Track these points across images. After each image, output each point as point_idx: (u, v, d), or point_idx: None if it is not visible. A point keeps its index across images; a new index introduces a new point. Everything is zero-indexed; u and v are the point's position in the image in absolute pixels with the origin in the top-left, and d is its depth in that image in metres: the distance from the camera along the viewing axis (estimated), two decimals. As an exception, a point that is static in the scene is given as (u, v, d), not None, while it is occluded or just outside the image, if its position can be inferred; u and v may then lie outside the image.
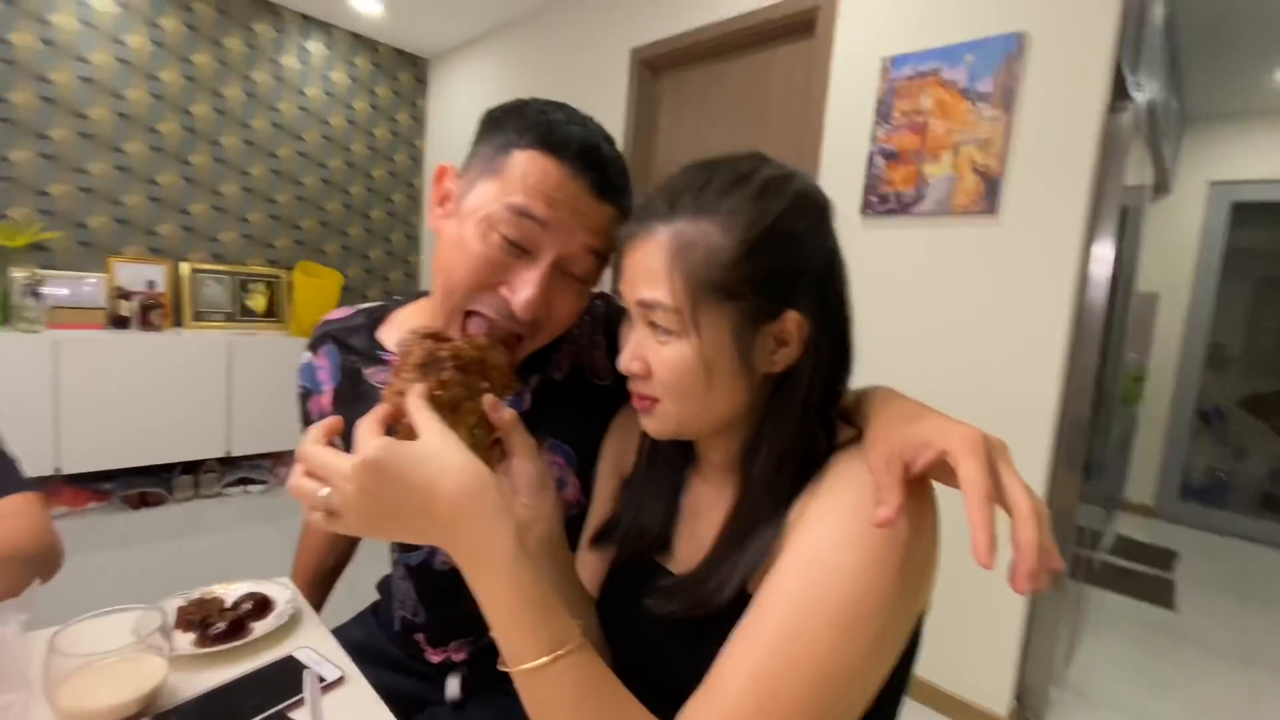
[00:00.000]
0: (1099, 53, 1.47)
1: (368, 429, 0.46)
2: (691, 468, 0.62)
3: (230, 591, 0.72)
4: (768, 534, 0.50)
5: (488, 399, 0.54)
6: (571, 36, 2.75)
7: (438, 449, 0.44)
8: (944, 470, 0.42)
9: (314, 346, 0.80)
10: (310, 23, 3.11)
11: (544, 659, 0.42)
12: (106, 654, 0.52)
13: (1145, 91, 2.01)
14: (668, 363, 0.50)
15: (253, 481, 2.82)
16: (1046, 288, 1.54)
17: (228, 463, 2.80)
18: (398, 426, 0.50)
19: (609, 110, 2.57)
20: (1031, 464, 1.56)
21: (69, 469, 2.36)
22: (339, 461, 0.43)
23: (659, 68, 2.48)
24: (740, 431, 0.55)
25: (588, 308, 0.82)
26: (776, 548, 0.49)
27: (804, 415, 0.51)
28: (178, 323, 2.80)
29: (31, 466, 1.14)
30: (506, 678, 0.44)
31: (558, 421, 0.73)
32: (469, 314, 0.63)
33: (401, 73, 3.48)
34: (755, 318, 0.49)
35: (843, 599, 0.43)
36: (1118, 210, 1.55)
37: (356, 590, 0.99)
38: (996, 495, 0.39)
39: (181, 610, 0.66)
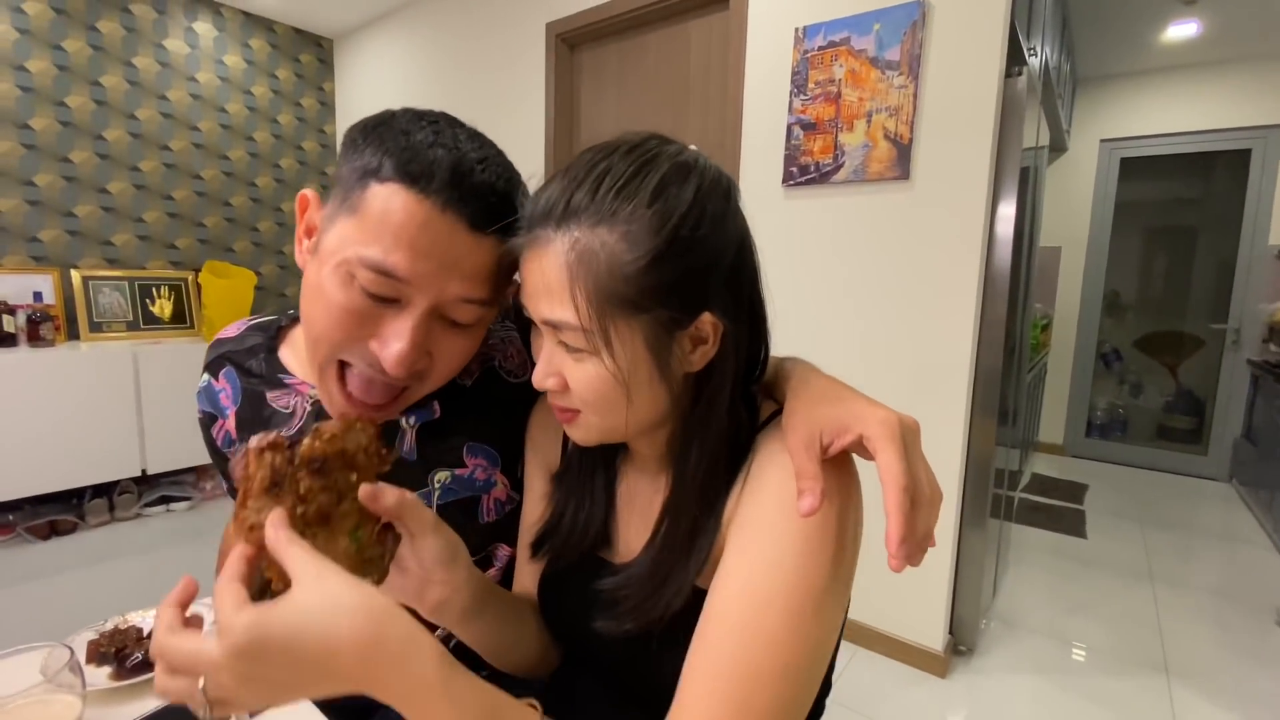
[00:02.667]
0: (994, 19, 1.53)
1: (229, 600, 0.37)
2: (622, 456, 0.62)
3: (148, 618, 0.69)
4: (709, 529, 0.51)
5: (363, 491, 0.46)
6: (484, 12, 2.65)
7: (319, 599, 0.37)
8: (861, 449, 0.44)
9: (212, 370, 0.73)
10: (196, 2, 2.87)
11: None
12: (13, 697, 0.49)
13: (1039, 56, 2.12)
14: (584, 381, 0.48)
15: (175, 499, 2.66)
16: (957, 247, 1.62)
17: (145, 481, 2.62)
18: (264, 565, 0.42)
19: (528, 88, 2.51)
20: (951, 414, 1.65)
21: (-39, 503, 2.16)
22: (203, 649, 0.36)
23: (576, 43, 2.43)
24: (667, 425, 0.55)
25: None
26: (719, 542, 0.50)
27: (730, 405, 0.51)
28: (73, 335, 2.59)
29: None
30: None
31: (473, 424, 0.70)
32: (343, 365, 0.56)
33: (304, 54, 3.28)
34: (668, 326, 0.47)
35: (792, 591, 0.44)
36: (1018, 170, 1.64)
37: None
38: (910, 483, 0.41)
39: (92, 644, 0.62)
